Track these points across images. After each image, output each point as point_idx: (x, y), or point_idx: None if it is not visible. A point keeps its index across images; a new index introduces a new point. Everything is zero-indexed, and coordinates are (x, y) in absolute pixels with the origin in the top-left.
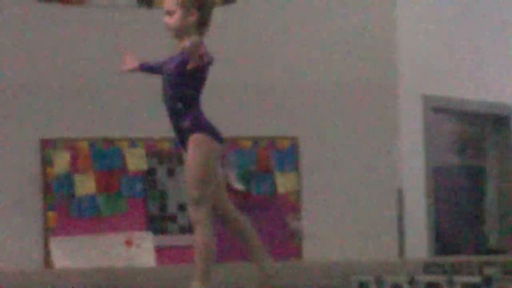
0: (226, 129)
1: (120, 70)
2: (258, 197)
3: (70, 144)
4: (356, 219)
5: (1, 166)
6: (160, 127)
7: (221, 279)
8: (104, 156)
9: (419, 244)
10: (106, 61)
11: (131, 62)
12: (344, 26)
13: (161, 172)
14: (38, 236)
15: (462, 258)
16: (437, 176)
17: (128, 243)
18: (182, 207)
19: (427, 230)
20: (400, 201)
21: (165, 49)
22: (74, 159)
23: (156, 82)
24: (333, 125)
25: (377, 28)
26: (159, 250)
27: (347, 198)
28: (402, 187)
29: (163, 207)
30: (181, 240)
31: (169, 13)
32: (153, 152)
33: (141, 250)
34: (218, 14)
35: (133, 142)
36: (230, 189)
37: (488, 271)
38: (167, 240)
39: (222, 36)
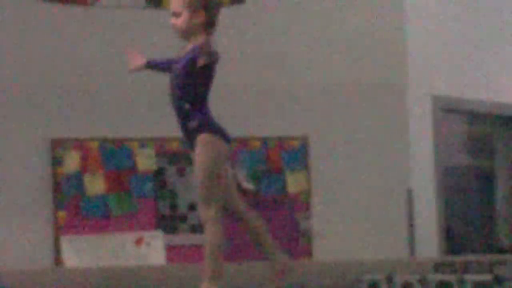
0: (236, 129)
1: (128, 69)
2: (268, 197)
3: (80, 144)
4: (366, 218)
5: (12, 165)
6: (170, 127)
7: (231, 279)
8: (114, 156)
9: (429, 244)
10: (115, 61)
11: (138, 60)
12: (354, 26)
13: (171, 172)
14: (48, 235)
15: (473, 257)
16: (447, 176)
17: (138, 242)
18: (192, 207)
19: (437, 229)
20: (410, 200)
21: (172, 49)
22: (84, 159)
23: (165, 82)
24: (343, 125)
25: (387, 28)
26: (169, 249)
27: (357, 198)
28: (412, 187)
29: (173, 207)
30: (192, 239)
31: (176, 14)
32: (163, 152)
33: (151, 249)
34: (227, 14)
35: (143, 142)
36: (239, 189)
37: (498, 270)
38: (177, 239)
39: (231, 36)
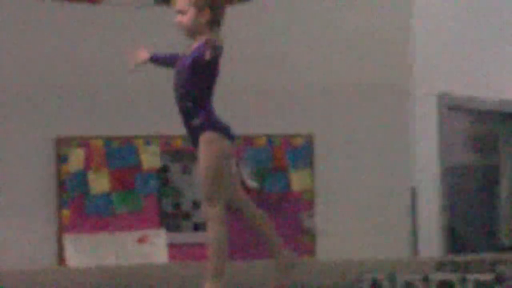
0: (241, 127)
1: (129, 67)
2: (272, 195)
3: (84, 142)
4: (370, 217)
5: (16, 163)
6: (174, 124)
7: (235, 277)
8: (119, 154)
9: (432, 242)
10: (121, 60)
11: (142, 54)
12: (359, 25)
13: (175, 170)
14: (52, 233)
15: (475, 256)
16: (451, 175)
17: (142, 240)
18: (196, 205)
19: (440, 228)
20: (414, 199)
21: (181, 47)
22: (89, 157)
23: (170, 79)
24: (348, 123)
25: (392, 28)
26: (173, 248)
27: (361, 196)
28: (416, 186)
29: (177, 205)
30: (195, 237)
31: (181, 12)
32: (167, 149)
33: (154, 248)
34: (233, 13)
35: (147, 140)
36: (243, 187)
37: (501, 269)
38: (180, 237)
39: (237, 35)
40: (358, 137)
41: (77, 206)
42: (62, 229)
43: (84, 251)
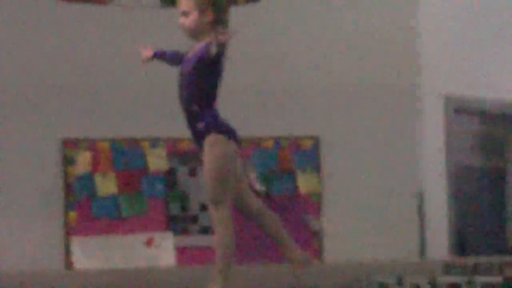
0: (248, 129)
1: (140, 65)
2: (280, 198)
3: (91, 144)
4: (377, 219)
5: (23, 166)
6: (181, 127)
7: (241, 280)
8: (125, 156)
9: (439, 245)
10: (128, 61)
11: (147, 52)
12: (366, 27)
13: (182, 172)
14: (58, 236)
15: (483, 259)
16: (458, 177)
17: (149, 243)
18: (203, 208)
19: (447, 231)
20: (421, 201)
21: (187, 48)
22: (95, 159)
23: (176, 81)
24: (355, 126)
25: (399, 29)
26: (180, 251)
27: (368, 199)
28: (423, 188)
29: (184, 208)
30: (202, 240)
31: (185, 13)
32: (174, 152)
33: (161, 251)
34: (240, 14)
35: (154, 142)
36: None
37: (509, 271)
38: (187, 240)
39: (244, 36)
40: (365, 139)
41: (84, 209)
42: (69, 232)
43: (91, 254)
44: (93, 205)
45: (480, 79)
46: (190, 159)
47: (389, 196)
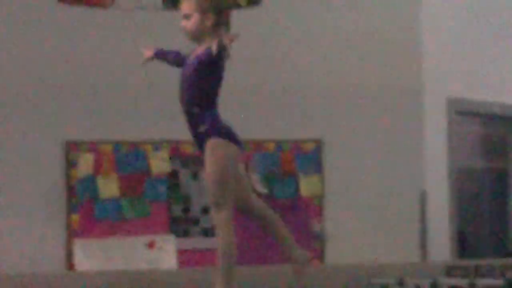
0: (250, 132)
1: (141, 64)
2: (282, 200)
3: (94, 147)
4: (379, 221)
5: (26, 168)
6: (184, 130)
7: (243, 282)
8: (128, 159)
9: (441, 247)
10: (131, 64)
11: (147, 53)
12: (368, 29)
13: (184, 175)
14: (61, 238)
15: (485, 261)
16: (461, 179)
17: (151, 245)
18: (205, 210)
19: (450, 233)
20: (423, 203)
21: (188, 51)
22: (98, 161)
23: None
24: (357, 128)
25: (402, 32)
26: (182, 253)
27: (370, 201)
28: (426, 190)
29: (186, 210)
30: (204, 243)
31: (186, 16)
32: (176, 155)
33: (163, 253)
34: (241, 16)
35: (157, 145)
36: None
37: (510, 274)
38: (189, 243)
39: (246, 38)
40: (367, 142)
41: (86, 211)
42: (71, 234)
43: (93, 256)
44: (95, 207)
45: (482, 81)
46: (192, 162)
47: (391, 198)
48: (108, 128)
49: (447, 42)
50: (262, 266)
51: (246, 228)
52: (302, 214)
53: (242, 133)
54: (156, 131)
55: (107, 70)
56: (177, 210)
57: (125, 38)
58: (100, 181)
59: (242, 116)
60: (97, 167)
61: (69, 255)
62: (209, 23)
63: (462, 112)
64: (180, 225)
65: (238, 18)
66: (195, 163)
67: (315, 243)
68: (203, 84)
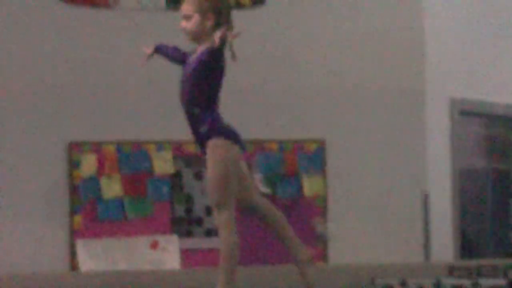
0: (253, 132)
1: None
2: (284, 200)
3: (97, 147)
4: (382, 222)
5: (29, 168)
6: (187, 130)
7: (245, 282)
8: (131, 159)
9: (444, 247)
10: (133, 65)
11: (148, 51)
12: (371, 30)
13: (187, 175)
14: (64, 238)
15: (488, 261)
16: (463, 179)
17: (154, 246)
18: (208, 210)
19: (452, 233)
20: (426, 203)
21: (189, 51)
22: (101, 162)
23: None
24: (360, 128)
25: (405, 32)
26: (185, 253)
27: (373, 201)
28: (428, 190)
29: (189, 210)
30: (207, 243)
31: (186, 17)
32: (179, 155)
33: (166, 253)
34: (244, 16)
35: (160, 145)
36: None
37: None
38: (192, 243)
39: (248, 38)
40: (370, 142)
41: (89, 211)
42: (74, 234)
43: (96, 256)
44: (98, 208)
45: (485, 81)
46: (195, 162)
47: (394, 198)
48: (111, 129)
49: (450, 43)
50: (263, 266)
51: (248, 228)
52: (304, 214)
53: (244, 133)
54: (159, 131)
55: (110, 71)
56: (180, 210)
57: (127, 38)
58: (103, 182)
59: (247, 118)
60: (100, 167)
61: (72, 255)
62: (209, 23)
63: (464, 112)
64: (183, 225)
65: (240, 18)
66: (198, 163)
67: (317, 243)
68: (203, 84)
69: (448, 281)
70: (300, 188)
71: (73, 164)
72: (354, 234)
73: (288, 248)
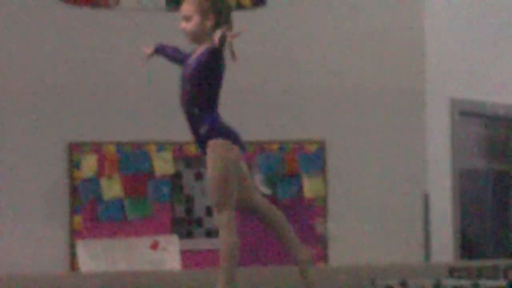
0: (253, 133)
1: (142, 62)
2: (285, 201)
3: (97, 148)
4: (382, 222)
5: (29, 169)
6: (187, 131)
7: (245, 282)
8: (131, 160)
9: (445, 248)
10: (133, 65)
11: (148, 51)
12: (371, 30)
13: (188, 176)
14: (64, 239)
15: (488, 262)
16: (464, 180)
17: (154, 246)
18: (208, 211)
19: (453, 234)
20: (426, 204)
21: (189, 51)
22: (101, 162)
23: None
24: (360, 129)
25: (405, 32)
26: (185, 254)
27: (373, 202)
28: (429, 191)
29: (189, 211)
30: (207, 244)
31: (186, 17)
32: (180, 155)
33: (166, 254)
34: (245, 17)
35: (160, 146)
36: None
37: None
38: (193, 244)
39: (248, 39)
40: (370, 143)
41: (89, 212)
42: (74, 235)
43: (96, 257)
44: (98, 208)
45: (485, 82)
46: (195, 162)
47: (395, 199)
48: (111, 129)
49: (450, 43)
50: (263, 266)
51: (246, 229)
52: (304, 215)
53: (244, 134)
54: (160, 132)
55: (110, 71)
56: (180, 211)
57: (127, 38)
58: (103, 182)
59: (247, 119)
60: (100, 168)
61: (72, 256)
62: (209, 24)
63: (465, 113)
64: (184, 226)
65: (240, 19)
66: (198, 164)
67: (318, 243)
68: (203, 84)
69: (448, 282)
70: (300, 188)
71: (73, 165)
72: (354, 235)
73: (288, 248)
